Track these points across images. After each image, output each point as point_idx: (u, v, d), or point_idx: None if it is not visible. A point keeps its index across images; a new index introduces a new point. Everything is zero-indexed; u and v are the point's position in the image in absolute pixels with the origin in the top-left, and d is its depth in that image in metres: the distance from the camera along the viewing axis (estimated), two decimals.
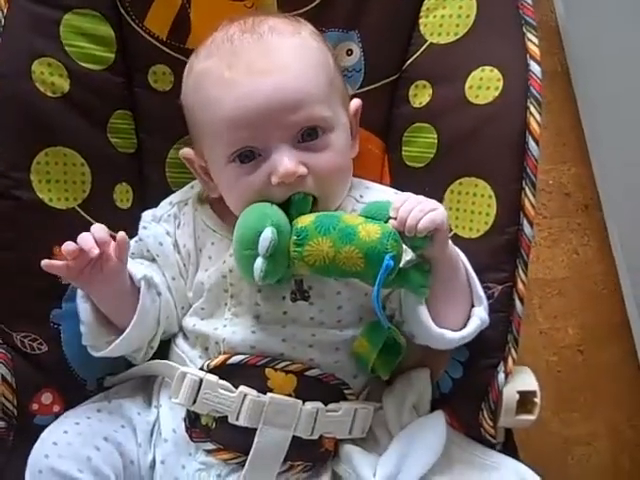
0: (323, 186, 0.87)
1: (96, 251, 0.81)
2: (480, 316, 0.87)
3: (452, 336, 0.86)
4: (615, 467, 1.44)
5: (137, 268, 0.91)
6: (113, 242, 0.84)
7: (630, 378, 1.47)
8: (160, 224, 0.97)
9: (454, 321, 0.87)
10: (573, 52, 1.60)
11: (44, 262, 0.83)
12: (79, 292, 0.90)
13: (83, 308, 0.89)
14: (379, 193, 0.97)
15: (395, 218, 0.81)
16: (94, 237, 0.82)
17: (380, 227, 0.80)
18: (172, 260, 0.95)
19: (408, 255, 0.85)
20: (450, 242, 0.86)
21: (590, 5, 1.51)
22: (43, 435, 0.85)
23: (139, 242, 0.96)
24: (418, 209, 0.81)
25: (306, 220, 0.82)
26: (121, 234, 0.85)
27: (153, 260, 0.96)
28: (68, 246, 0.81)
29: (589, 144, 1.56)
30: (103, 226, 0.85)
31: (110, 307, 0.89)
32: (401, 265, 0.82)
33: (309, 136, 0.86)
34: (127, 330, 0.88)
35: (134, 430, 0.90)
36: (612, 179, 1.52)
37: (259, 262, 0.79)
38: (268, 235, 0.79)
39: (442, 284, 0.86)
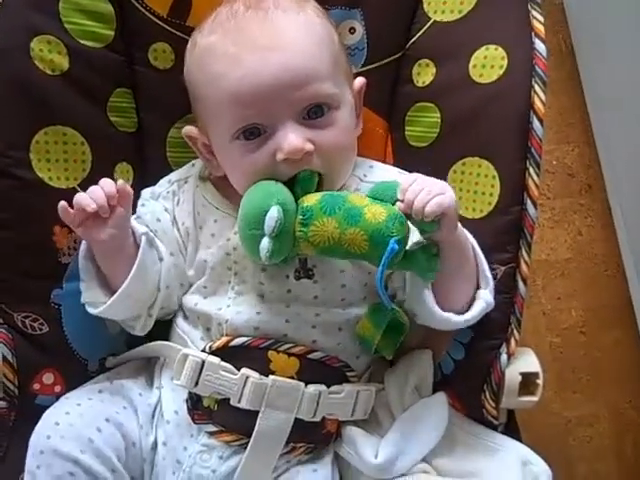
0: (329, 163, 0.87)
1: (93, 206, 0.83)
2: (485, 299, 0.87)
3: (457, 319, 0.86)
4: (617, 449, 1.45)
5: (141, 226, 0.92)
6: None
7: (632, 360, 1.47)
8: (158, 201, 0.97)
9: (459, 303, 0.87)
10: (578, 31, 1.59)
11: (61, 203, 0.84)
12: (82, 250, 0.90)
13: (84, 265, 0.90)
14: (383, 172, 0.96)
15: (402, 200, 0.80)
16: (103, 191, 0.84)
17: (386, 209, 0.80)
18: (171, 236, 0.95)
19: (415, 237, 0.83)
20: (459, 225, 0.85)
21: None
22: (45, 416, 0.85)
23: (137, 219, 0.96)
24: (425, 192, 0.80)
25: (312, 199, 0.82)
26: (120, 182, 0.86)
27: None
28: (76, 197, 0.84)
29: (593, 124, 1.56)
30: (111, 181, 0.86)
31: (111, 264, 0.89)
32: (408, 247, 0.81)
33: (315, 113, 0.86)
34: (125, 283, 0.88)
35: (135, 411, 0.90)
36: (616, 160, 1.51)
37: (265, 242, 0.79)
38: (274, 214, 0.78)
39: (449, 268, 0.85)
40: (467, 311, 0.87)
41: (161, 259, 0.93)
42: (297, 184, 0.84)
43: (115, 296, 0.88)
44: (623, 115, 1.46)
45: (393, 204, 0.80)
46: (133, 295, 0.90)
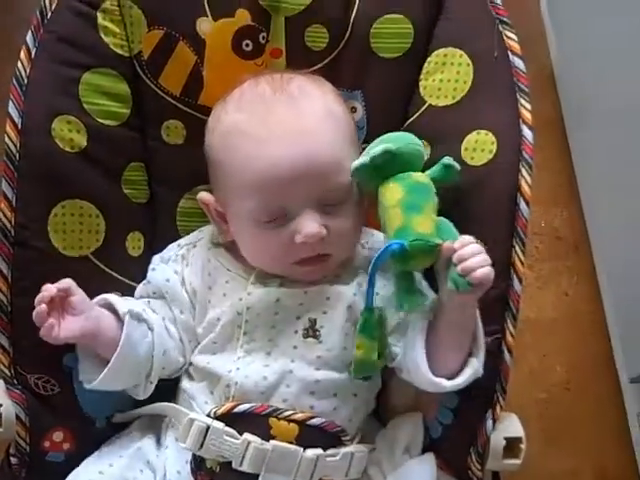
0: (339, 246, 0.92)
1: (42, 306, 0.85)
2: (474, 366, 0.89)
3: (447, 384, 0.88)
4: None
5: (125, 304, 0.93)
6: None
7: (615, 418, 1.49)
8: (168, 264, 1.00)
9: (451, 368, 0.89)
10: (567, 99, 1.65)
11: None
12: None
13: (79, 346, 0.93)
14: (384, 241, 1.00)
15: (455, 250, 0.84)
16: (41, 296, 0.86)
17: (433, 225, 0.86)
18: (180, 296, 0.98)
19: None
20: None
21: (584, 54, 1.56)
22: (70, 477, 0.88)
23: (146, 284, 1.00)
24: (482, 256, 0.83)
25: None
26: (63, 281, 0.88)
27: (162, 297, 0.99)
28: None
29: (580, 189, 1.60)
30: (49, 285, 0.87)
31: (97, 346, 0.91)
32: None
33: (332, 201, 0.91)
34: (111, 361, 0.89)
35: (154, 471, 0.92)
36: (602, 222, 1.55)
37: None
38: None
39: (454, 330, 0.89)
40: (457, 376, 0.89)
41: (151, 329, 0.94)
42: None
43: (104, 372, 0.90)
44: (609, 181, 1.50)
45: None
46: (125, 369, 0.92)
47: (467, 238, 0.85)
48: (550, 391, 1.51)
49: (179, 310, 0.98)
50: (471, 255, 0.83)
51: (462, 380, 0.89)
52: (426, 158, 0.98)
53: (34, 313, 0.85)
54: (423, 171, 0.92)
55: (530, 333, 1.53)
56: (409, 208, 0.87)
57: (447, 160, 0.90)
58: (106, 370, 0.90)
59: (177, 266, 1.00)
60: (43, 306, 0.85)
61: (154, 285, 0.99)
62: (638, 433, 1.44)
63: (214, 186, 1.00)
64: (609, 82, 1.45)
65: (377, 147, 0.89)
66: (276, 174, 0.88)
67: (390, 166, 0.89)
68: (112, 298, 0.93)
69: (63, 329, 0.86)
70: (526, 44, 1.59)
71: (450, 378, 0.89)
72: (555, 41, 1.75)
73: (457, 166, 0.90)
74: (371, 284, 0.87)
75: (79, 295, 0.89)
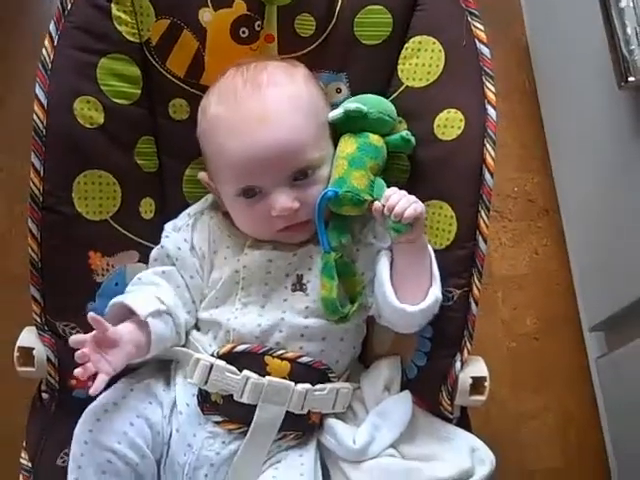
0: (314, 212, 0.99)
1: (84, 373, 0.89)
2: (435, 293, 0.96)
3: (412, 309, 0.95)
4: (562, 439, 1.55)
5: (143, 304, 0.97)
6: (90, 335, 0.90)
7: (578, 363, 1.58)
8: (179, 233, 1.07)
9: (415, 297, 0.96)
10: (540, 71, 1.68)
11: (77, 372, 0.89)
12: None
13: None
14: None
15: (384, 205, 0.92)
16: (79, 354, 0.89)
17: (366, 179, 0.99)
18: (189, 262, 1.05)
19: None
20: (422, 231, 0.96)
21: (556, 31, 1.60)
22: (87, 411, 0.94)
23: (160, 249, 1.06)
24: (405, 199, 0.92)
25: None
26: (89, 315, 0.91)
27: (172, 263, 1.05)
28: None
29: (551, 157, 1.65)
30: (77, 337, 0.91)
31: (139, 352, 0.97)
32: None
33: (301, 176, 0.98)
34: (147, 357, 0.98)
35: (160, 404, 0.99)
36: (570, 189, 1.60)
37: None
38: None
39: (411, 264, 0.96)
40: (420, 303, 0.95)
41: (169, 313, 0.99)
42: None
43: (139, 360, 0.98)
44: (578, 151, 1.55)
45: (374, 200, 0.97)
46: (159, 351, 0.99)
47: (389, 190, 0.95)
48: (519, 340, 1.59)
49: (189, 275, 1.05)
50: (397, 202, 0.92)
51: (426, 305, 0.95)
52: (403, 132, 1.05)
53: (76, 355, 0.89)
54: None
55: (502, 288, 1.60)
56: (353, 163, 1.00)
57: (406, 134, 1.03)
58: (143, 359, 0.99)
59: (187, 234, 1.06)
60: (84, 352, 0.89)
61: (167, 250, 1.05)
62: (598, 376, 1.52)
63: (207, 168, 1.08)
64: (576, 57, 1.49)
65: (352, 104, 1.01)
66: (246, 158, 0.96)
67: (359, 123, 1.02)
68: (131, 303, 0.97)
69: (114, 364, 0.91)
70: (504, 23, 1.72)
71: (415, 305, 0.95)
72: (529, 19, 1.78)
73: (413, 140, 1.03)
74: (320, 228, 0.97)
75: (109, 328, 0.91)
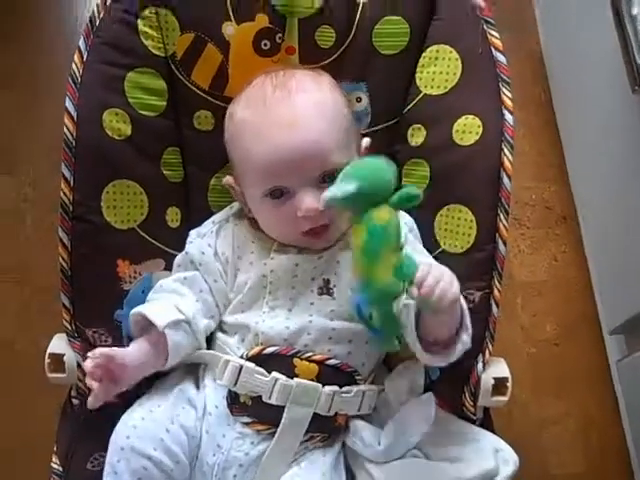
0: (338, 215, 1.00)
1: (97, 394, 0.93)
2: (463, 341, 0.95)
3: (439, 363, 0.96)
4: (584, 443, 1.55)
5: (161, 316, 0.98)
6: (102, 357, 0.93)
7: (598, 368, 1.58)
8: (203, 239, 1.08)
9: (443, 342, 0.95)
10: (555, 81, 1.70)
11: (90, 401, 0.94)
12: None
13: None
14: None
15: (419, 287, 0.85)
16: (91, 369, 0.92)
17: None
18: (213, 266, 1.06)
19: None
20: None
21: (569, 40, 1.62)
22: (123, 419, 0.96)
23: (185, 255, 1.07)
24: (440, 288, 0.86)
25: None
26: (96, 351, 0.93)
27: (196, 268, 1.06)
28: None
29: (568, 165, 1.66)
30: (94, 353, 0.93)
31: (151, 366, 1.00)
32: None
33: (327, 179, 0.99)
34: (166, 364, 0.99)
35: (195, 407, 1.00)
36: (587, 195, 1.62)
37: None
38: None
39: (441, 322, 0.94)
40: (450, 349, 0.95)
41: (188, 322, 1.01)
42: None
43: (161, 368, 1.00)
44: (593, 158, 1.56)
45: (410, 282, 0.86)
46: (178, 359, 1.01)
47: (421, 272, 0.86)
48: (539, 346, 1.59)
49: (213, 279, 1.06)
50: (432, 288, 0.85)
51: (454, 357, 0.95)
52: (423, 140, 1.09)
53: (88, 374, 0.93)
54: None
55: (522, 295, 1.61)
56: (369, 255, 0.86)
57: (414, 191, 0.89)
58: (162, 369, 1.01)
59: (211, 240, 1.07)
60: (94, 379, 0.93)
61: (191, 255, 1.07)
62: (619, 379, 1.53)
63: (233, 171, 1.09)
64: (590, 65, 1.50)
65: (349, 185, 0.88)
66: (273, 161, 0.98)
67: (359, 199, 0.89)
68: (149, 313, 0.99)
69: (99, 396, 0.94)
70: (519, 33, 1.74)
71: (444, 347, 0.95)
72: (543, 29, 1.80)
73: (420, 195, 0.88)
74: (373, 333, 0.90)
75: (117, 364, 0.94)
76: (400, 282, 0.86)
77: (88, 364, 0.93)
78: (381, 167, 0.91)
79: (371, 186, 0.88)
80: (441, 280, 0.86)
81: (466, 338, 0.96)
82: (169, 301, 1.03)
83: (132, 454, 0.93)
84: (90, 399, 0.94)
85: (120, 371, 0.95)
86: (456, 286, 0.88)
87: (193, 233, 1.11)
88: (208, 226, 1.11)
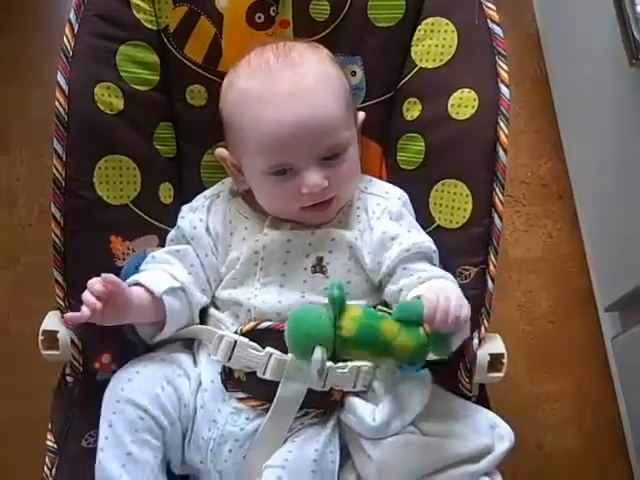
0: (341, 189, 1.02)
1: (89, 312, 0.91)
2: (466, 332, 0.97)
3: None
4: (578, 420, 1.56)
5: (156, 282, 0.99)
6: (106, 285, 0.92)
7: (593, 345, 1.58)
8: (195, 213, 1.08)
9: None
10: (551, 59, 1.70)
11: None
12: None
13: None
14: (380, 185, 1.10)
15: (429, 322, 0.87)
16: (92, 292, 0.91)
17: (413, 339, 0.88)
18: (204, 241, 1.06)
19: None
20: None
21: (565, 17, 1.62)
22: (117, 374, 0.97)
23: (177, 229, 1.07)
24: (452, 314, 0.87)
25: (349, 329, 0.88)
26: (103, 276, 0.93)
27: (188, 243, 1.06)
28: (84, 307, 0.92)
29: (564, 142, 1.66)
30: (97, 279, 0.92)
31: (141, 319, 1.01)
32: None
33: (331, 156, 0.99)
34: (163, 331, 1.00)
35: (189, 378, 1.00)
36: (583, 172, 1.61)
37: (313, 368, 0.87)
38: (318, 357, 0.86)
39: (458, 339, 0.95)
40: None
41: (183, 289, 1.01)
42: (332, 305, 0.89)
43: (157, 338, 1.01)
44: (589, 135, 1.56)
45: (419, 324, 0.88)
46: (174, 329, 1.02)
47: (428, 304, 0.87)
48: (535, 324, 1.60)
49: (204, 253, 1.06)
50: (442, 319, 0.87)
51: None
52: (418, 114, 1.09)
53: (86, 300, 0.92)
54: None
55: (517, 272, 1.61)
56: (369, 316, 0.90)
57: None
58: (159, 336, 1.02)
59: (202, 215, 1.07)
60: (97, 303, 0.91)
61: (182, 230, 1.07)
62: (614, 356, 1.53)
63: (229, 142, 1.08)
64: (586, 41, 1.50)
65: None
66: (280, 133, 0.96)
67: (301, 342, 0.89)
68: (146, 281, 0.99)
69: (105, 319, 0.93)
70: (514, 10, 1.73)
71: None
72: (539, 5, 1.79)
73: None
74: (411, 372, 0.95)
75: (125, 289, 0.95)
76: (417, 339, 0.89)
77: (96, 283, 0.92)
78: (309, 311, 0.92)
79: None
80: (449, 307, 0.88)
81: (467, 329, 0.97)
82: (163, 270, 1.03)
83: (127, 405, 0.93)
84: (84, 309, 0.92)
85: (125, 301, 0.95)
86: (466, 305, 0.90)
87: (185, 208, 1.11)
88: (200, 200, 1.11)
